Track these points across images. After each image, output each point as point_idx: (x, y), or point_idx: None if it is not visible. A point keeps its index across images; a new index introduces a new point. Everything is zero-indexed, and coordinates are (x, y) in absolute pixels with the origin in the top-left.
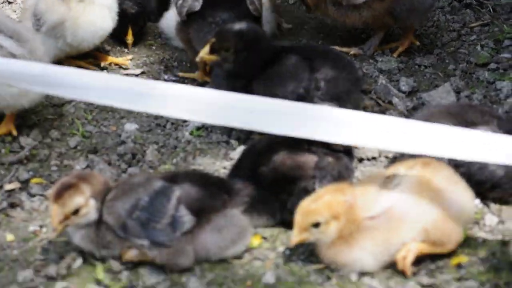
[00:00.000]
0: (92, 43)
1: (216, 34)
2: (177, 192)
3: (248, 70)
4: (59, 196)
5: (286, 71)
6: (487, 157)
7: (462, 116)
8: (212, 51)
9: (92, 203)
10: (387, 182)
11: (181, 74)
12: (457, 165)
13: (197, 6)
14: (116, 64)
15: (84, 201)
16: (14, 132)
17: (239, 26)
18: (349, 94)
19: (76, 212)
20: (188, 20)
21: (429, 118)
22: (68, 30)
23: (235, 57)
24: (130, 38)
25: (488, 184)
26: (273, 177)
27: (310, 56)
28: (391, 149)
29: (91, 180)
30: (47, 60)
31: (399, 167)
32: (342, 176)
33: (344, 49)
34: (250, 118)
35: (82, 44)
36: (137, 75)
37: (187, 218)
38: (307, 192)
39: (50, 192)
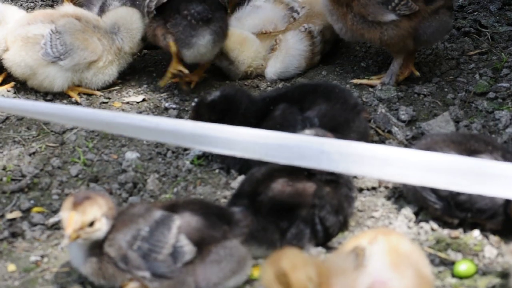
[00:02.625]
0: None
1: (192, 111)
2: (178, 221)
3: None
4: (79, 204)
5: (277, 124)
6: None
7: (465, 145)
8: None
9: (104, 220)
10: (358, 257)
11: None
12: (458, 193)
13: None
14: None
15: (100, 215)
16: None
17: (212, 97)
18: (349, 123)
19: (91, 224)
20: (160, 15)
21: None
22: None
23: None
24: None
25: (487, 213)
26: (272, 205)
27: (299, 97)
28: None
29: (106, 198)
30: None
31: (361, 240)
32: (342, 205)
33: (364, 81)
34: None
35: None
36: (138, 102)
37: (187, 248)
38: (306, 221)
39: (66, 201)
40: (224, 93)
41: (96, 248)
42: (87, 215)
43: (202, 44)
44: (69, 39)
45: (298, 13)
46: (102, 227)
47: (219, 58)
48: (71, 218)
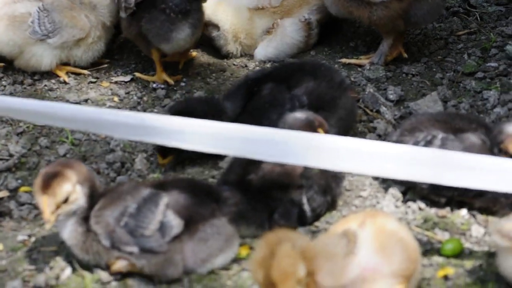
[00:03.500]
0: None
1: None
2: (165, 198)
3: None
4: (47, 186)
5: (265, 103)
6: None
7: (450, 124)
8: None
9: (79, 188)
10: (349, 243)
11: (138, 74)
12: None
13: None
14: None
15: (72, 188)
16: None
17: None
18: (336, 100)
19: (66, 200)
20: (138, 11)
21: (417, 126)
22: None
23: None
24: None
25: (473, 192)
26: (261, 185)
27: (285, 76)
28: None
29: (74, 167)
30: None
31: (350, 224)
32: (330, 186)
33: (353, 61)
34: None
35: None
36: (126, 82)
37: (175, 222)
38: (294, 202)
39: (36, 183)
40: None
41: (82, 218)
42: (58, 196)
43: (181, 38)
44: (57, 17)
45: None
46: (78, 196)
47: (207, 28)
48: (44, 203)
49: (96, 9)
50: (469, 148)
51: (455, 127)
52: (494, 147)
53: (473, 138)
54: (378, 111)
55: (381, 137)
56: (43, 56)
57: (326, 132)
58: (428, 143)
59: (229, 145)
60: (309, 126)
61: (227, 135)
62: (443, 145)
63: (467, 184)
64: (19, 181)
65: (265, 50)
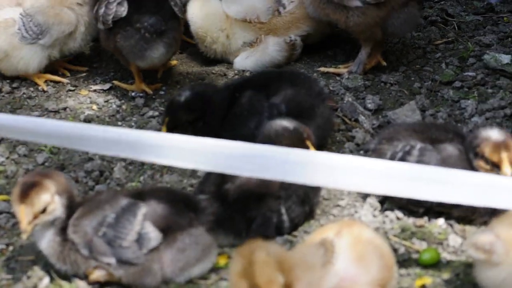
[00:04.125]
0: None
1: (166, 112)
2: (143, 208)
3: (212, 125)
4: (25, 196)
5: (243, 110)
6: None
7: (427, 134)
8: (169, 129)
9: (57, 199)
10: (326, 253)
11: (116, 83)
12: None
13: (123, 12)
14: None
15: (50, 198)
16: None
17: (184, 96)
18: (314, 108)
19: (43, 210)
20: (114, 27)
21: (394, 136)
22: None
23: (193, 126)
24: None
25: None
26: (239, 194)
27: (264, 84)
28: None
29: (53, 177)
30: None
31: (327, 233)
32: (308, 196)
33: (331, 70)
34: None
35: None
36: (105, 90)
37: (153, 235)
38: (272, 212)
39: (13, 193)
40: (196, 91)
41: (60, 228)
42: (36, 205)
43: (155, 57)
44: (41, 18)
45: (285, 8)
46: (56, 206)
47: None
48: (21, 213)
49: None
50: (446, 158)
51: (432, 137)
52: (470, 152)
53: (450, 148)
54: (356, 120)
55: (360, 146)
56: (32, 58)
57: (313, 144)
58: (406, 154)
59: (208, 160)
60: (297, 138)
61: (205, 150)
62: (421, 155)
63: (445, 199)
64: None
65: (244, 61)
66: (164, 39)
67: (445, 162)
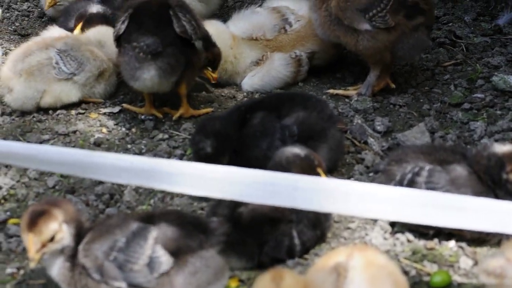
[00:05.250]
0: None
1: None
2: (154, 232)
3: (228, 150)
4: (33, 224)
5: (255, 131)
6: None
7: (435, 156)
8: None
9: (65, 228)
10: (339, 278)
11: (125, 106)
12: None
13: (122, 29)
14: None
15: (59, 227)
16: None
17: (210, 147)
18: (325, 131)
19: (52, 239)
20: (118, 45)
21: (403, 158)
22: None
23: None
24: None
25: None
26: (252, 218)
27: (276, 105)
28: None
29: (61, 206)
30: None
31: (339, 257)
32: (319, 219)
33: (341, 92)
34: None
35: None
36: (115, 113)
37: (164, 259)
38: (284, 235)
39: (22, 221)
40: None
41: (69, 255)
42: (44, 234)
43: (147, 78)
44: (77, 55)
45: (291, 26)
46: (64, 235)
47: None
48: (29, 241)
49: (105, 47)
50: (455, 179)
51: (440, 159)
52: (483, 170)
53: (459, 169)
54: (365, 142)
55: (369, 168)
56: (70, 94)
57: (324, 171)
58: (416, 175)
59: (219, 188)
60: (308, 165)
61: (217, 177)
62: (430, 176)
63: (456, 225)
64: (8, 213)
65: (251, 79)
66: (157, 62)
67: (454, 183)
